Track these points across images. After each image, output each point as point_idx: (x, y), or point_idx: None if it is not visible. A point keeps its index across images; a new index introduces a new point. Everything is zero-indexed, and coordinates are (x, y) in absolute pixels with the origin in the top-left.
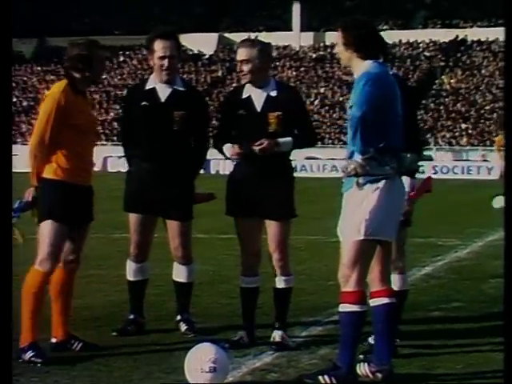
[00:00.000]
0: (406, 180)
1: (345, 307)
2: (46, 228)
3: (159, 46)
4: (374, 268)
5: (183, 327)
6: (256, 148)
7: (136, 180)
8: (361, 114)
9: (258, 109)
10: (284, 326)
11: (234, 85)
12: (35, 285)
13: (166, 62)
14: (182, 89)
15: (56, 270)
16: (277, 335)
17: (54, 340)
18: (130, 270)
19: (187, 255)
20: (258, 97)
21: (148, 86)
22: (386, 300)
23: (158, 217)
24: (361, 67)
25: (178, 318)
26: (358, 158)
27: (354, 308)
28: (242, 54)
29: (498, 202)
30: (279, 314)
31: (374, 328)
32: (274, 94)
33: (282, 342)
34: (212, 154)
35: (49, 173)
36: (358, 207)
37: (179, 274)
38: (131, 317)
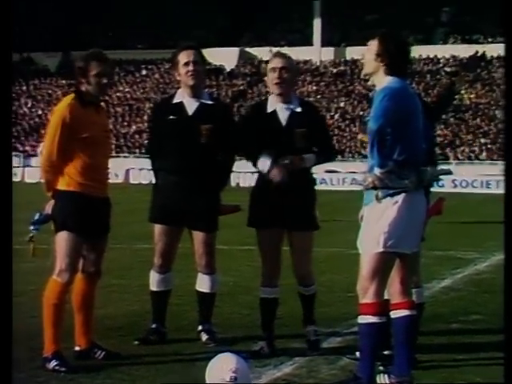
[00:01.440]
0: None
1: (364, 319)
2: (62, 239)
3: (184, 56)
4: (394, 280)
5: (204, 337)
6: (283, 163)
7: (163, 192)
8: (377, 128)
9: (284, 124)
10: (314, 323)
11: (256, 99)
12: (55, 296)
13: (191, 67)
14: (209, 102)
15: (77, 282)
16: (310, 331)
17: (77, 348)
18: (154, 281)
19: (211, 265)
20: (282, 112)
21: (175, 100)
22: (406, 312)
23: (183, 228)
24: (383, 81)
25: (200, 328)
26: (376, 171)
27: (373, 319)
28: (278, 62)
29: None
30: (307, 314)
31: (395, 340)
32: (298, 109)
33: (317, 340)
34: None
35: (62, 185)
36: (378, 220)
37: (203, 283)
38: (153, 326)
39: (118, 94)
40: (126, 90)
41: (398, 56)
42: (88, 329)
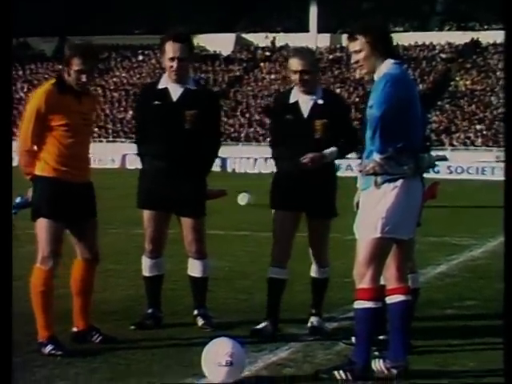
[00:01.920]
0: None
1: (360, 304)
2: (40, 226)
3: (170, 48)
4: (390, 266)
5: (201, 322)
6: (304, 161)
7: (149, 177)
8: (380, 114)
9: (305, 115)
10: (320, 313)
11: (252, 84)
12: (41, 283)
13: (175, 64)
14: (194, 88)
15: (75, 267)
16: (314, 320)
17: (75, 329)
18: (146, 266)
19: (201, 250)
20: (305, 103)
21: (160, 86)
22: (402, 297)
23: (172, 213)
24: (382, 68)
25: (196, 312)
26: (376, 157)
27: (369, 304)
28: (298, 64)
29: (242, 199)
30: (316, 302)
31: (390, 325)
32: (320, 101)
33: (319, 326)
34: (228, 152)
35: (38, 169)
36: (376, 205)
37: (194, 268)
38: (149, 311)
39: (114, 80)
40: (123, 75)
41: (386, 38)
42: (86, 312)
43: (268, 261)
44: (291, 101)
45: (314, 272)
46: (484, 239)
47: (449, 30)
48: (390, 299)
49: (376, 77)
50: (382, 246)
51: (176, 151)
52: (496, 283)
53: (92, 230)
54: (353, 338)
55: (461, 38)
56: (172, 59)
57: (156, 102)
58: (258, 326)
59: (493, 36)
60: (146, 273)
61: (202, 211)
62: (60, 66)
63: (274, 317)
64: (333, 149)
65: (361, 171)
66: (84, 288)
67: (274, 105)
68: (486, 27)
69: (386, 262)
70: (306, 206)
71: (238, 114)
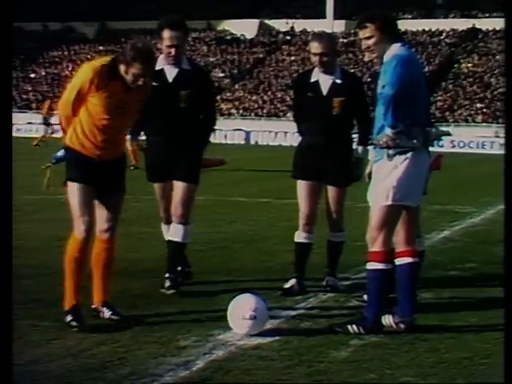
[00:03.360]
0: None
1: (372, 265)
2: (70, 190)
3: (167, 35)
4: (400, 231)
5: (167, 283)
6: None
7: (151, 153)
8: (394, 92)
9: (324, 93)
10: (335, 273)
11: (273, 65)
12: (75, 250)
13: (172, 51)
14: (188, 68)
15: (94, 242)
16: (330, 280)
17: (93, 305)
18: (165, 231)
19: (185, 216)
20: (324, 82)
21: (157, 67)
22: (410, 259)
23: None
24: (391, 50)
25: (167, 275)
26: (389, 131)
27: (381, 266)
28: (317, 47)
29: None
30: (332, 263)
31: (398, 284)
32: (339, 81)
33: (334, 285)
34: (251, 126)
35: (67, 138)
36: (388, 176)
37: (175, 233)
38: (179, 268)
39: None
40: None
41: (392, 23)
42: (102, 287)
43: (287, 225)
44: (312, 80)
45: (330, 236)
46: (483, 207)
47: (453, 17)
48: (399, 261)
49: (385, 59)
50: (392, 213)
51: (173, 128)
52: (493, 247)
53: (116, 203)
54: (365, 296)
55: (464, 24)
56: (169, 46)
57: (153, 83)
58: (286, 286)
59: (493, 23)
60: (166, 237)
61: (193, 178)
62: (101, 47)
63: (301, 274)
64: (361, 148)
65: (375, 144)
66: (103, 262)
67: (297, 83)
68: (487, 15)
69: (396, 227)
70: (325, 176)
71: (261, 91)
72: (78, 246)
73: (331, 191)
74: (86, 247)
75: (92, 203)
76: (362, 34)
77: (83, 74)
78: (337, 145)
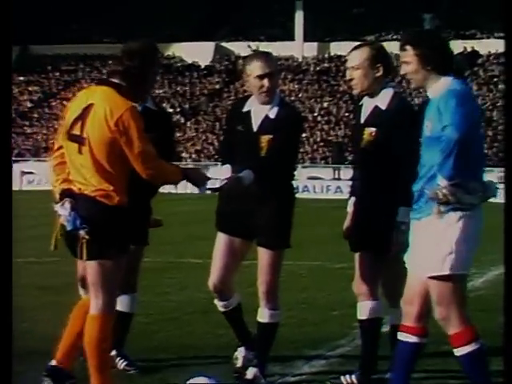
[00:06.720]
0: None
1: (462, 350)
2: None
3: None
4: (414, 301)
5: (122, 364)
6: (217, 187)
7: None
8: (459, 136)
9: (255, 128)
10: (263, 363)
11: (232, 98)
12: (104, 335)
13: None
14: (153, 108)
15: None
16: (249, 372)
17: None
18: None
19: (134, 283)
20: (256, 114)
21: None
22: (416, 339)
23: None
24: (439, 84)
25: (115, 352)
26: (443, 183)
27: (470, 348)
28: (262, 68)
29: None
30: (259, 350)
31: (398, 365)
32: (272, 116)
33: (254, 381)
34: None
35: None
36: (441, 238)
37: (123, 302)
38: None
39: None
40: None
41: (441, 52)
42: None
43: (250, 291)
44: (245, 109)
45: (262, 316)
46: (485, 267)
47: (447, 38)
48: (404, 337)
49: (435, 94)
50: (454, 284)
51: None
52: (499, 316)
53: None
54: (342, 378)
55: (459, 46)
56: None
57: None
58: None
59: (494, 45)
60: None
61: (142, 239)
62: (21, 78)
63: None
64: (247, 172)
65: (431, 198)
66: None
67: (229, 113)
68: (487, 35)
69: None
70: (253, 234)
71: (218, 130)
72: (109, 327)
73: (260, 254)
74: None
75: None
76: (401, 56)
77: (139, 120)
78: (268, 195)
